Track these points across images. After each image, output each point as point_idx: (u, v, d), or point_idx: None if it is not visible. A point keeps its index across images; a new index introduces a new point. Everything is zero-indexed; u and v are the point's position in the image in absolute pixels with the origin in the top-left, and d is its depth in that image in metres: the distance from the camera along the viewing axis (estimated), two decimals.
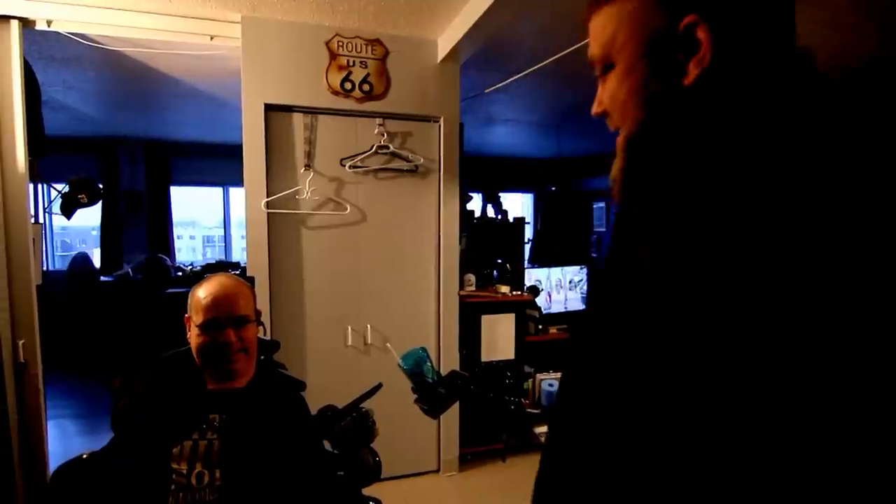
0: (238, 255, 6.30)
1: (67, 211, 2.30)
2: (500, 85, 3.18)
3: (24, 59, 2.21)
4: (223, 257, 6.14)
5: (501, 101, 3.81)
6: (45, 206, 3.04)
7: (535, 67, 2.83)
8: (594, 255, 6.89)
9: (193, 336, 1.15)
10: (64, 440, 3.36)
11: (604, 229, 6.79)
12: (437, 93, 2.64)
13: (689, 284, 0.43)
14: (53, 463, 2.40)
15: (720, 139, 0.46)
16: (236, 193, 6.19)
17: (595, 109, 0.57)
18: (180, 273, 5.19)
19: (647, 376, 0.45)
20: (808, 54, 0.49)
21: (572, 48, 2.52)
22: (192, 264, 5.67)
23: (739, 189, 0.43)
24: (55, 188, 2.51)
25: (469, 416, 2.79)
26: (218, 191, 6.18)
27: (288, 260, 2.51)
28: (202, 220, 7.94)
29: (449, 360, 2.73)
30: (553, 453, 0.52)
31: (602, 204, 6.80)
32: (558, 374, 1.65)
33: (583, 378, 0.52)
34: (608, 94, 0.55)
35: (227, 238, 6.32)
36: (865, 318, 0.37)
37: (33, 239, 2.28)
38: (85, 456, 1.12)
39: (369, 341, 2.65)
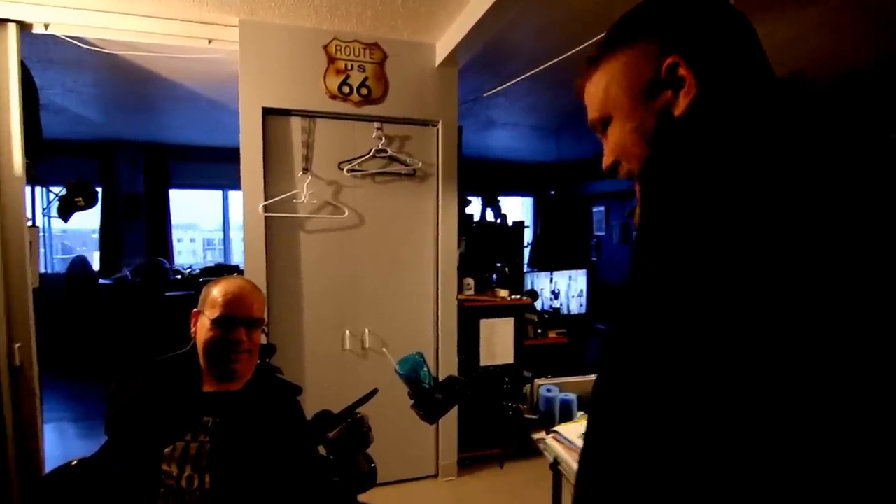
0: (237, 257, 6.30)
1: (64, 214, 2.30)
2: (498, 89, 3.18)
3: (22, 62, 2.21)
4: (223, 260, 6.14)
5: (500, 105, 3.81)
6: (44, 208, 3.05)
7: (534, 71, 2.83)
8: (594, 258, 6.89)
9: (203, 330, 1.16)
10: (63, 444, 3.35)
11: (603, 233, 6.79)
12: (435, 97, 2.64)
13: (690, 292, 0.44)
14: (50, 468, 2.39)
15: (717, 159, 0.49)
16: (235, 197, 6.19)
17: (606, 162, 0.62)
18: (179, 276, 5.18)
19: (652, 380, 0.46)
20: (799, 71, 0.52)
21: (570, 52, 2.52)
22: (190, 267, 5.67)
23: (737, 200, 0.44)
24: (53, 191, 2.51)
25: (467, 421, 2.78)
26: (217, 194, 6.19)
27: (286, 263, 2.51)
28: (202, 223, 7.93)
29: (447, 365, 2.72)
30: (587, 449, 0.53)
31: (602, 208, 6.80)
32: (556, 380, 1.65)
33: (607, 384, 0.52)
34: (614, 145, 0.59)
35: (226, 241, 6.32)
36: (869, 329, 0.38)
37: (30, 242, 2.27)
38: (74, 463, 1.11)
39: (367, 345, 2.64)
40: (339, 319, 2.61)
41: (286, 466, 1.10)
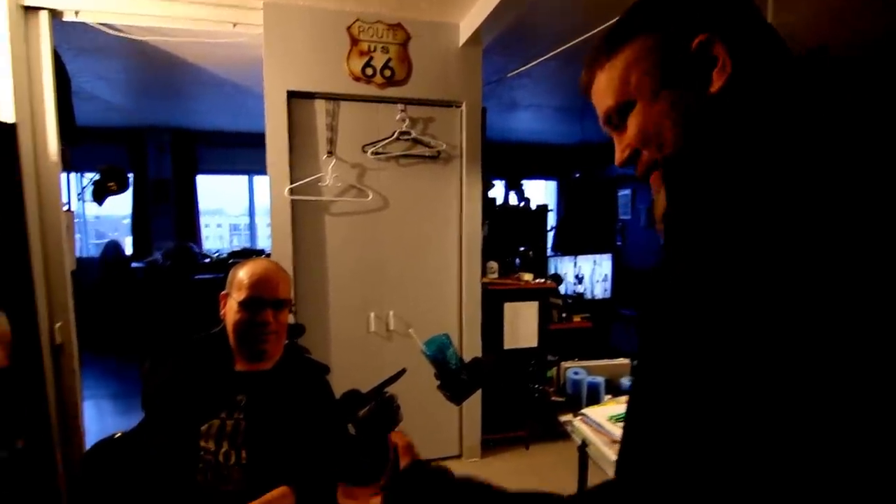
0: (263, 242, 6.40)
1: (99, 198, 2.36)
2: (522, 69, 3.12)
3: (55, 49, 2.26)
4: (249, 245, 6.24)
5: (524, 86, 3.74)
6: (79, 194, 3.14)
7: (558, 50, 2.76)
8: (619, 243, 6.78)
9: (231, 312, 1.18)
10: (100, 419, 3.49)
11: (629, 217, 6.66)
12: (459, 77, 2.60)
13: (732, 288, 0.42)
14: (90, 441, 2.50)
15: (758, 137, 0.47)
16: (261, 182, 6.27)
17: (621, 155, 0.58)
18: (207, 260, 5.30)
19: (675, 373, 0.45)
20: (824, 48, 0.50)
21: (596, 30, 2.44)
22: (218, 251, 5.79)
23: (782, 180, 0.42)
24: (86, 177, 2.58)
25: (492, 402, 2.79)
26: (243, 179, 6.28)
27: (311, 247, 2.53)
28: (228, 208, 8.07)
29: (471, 348, 2.73)
30: (628, 439, 0.52)
31: (627, 191, 6.66)
32: (584, 363, 1.64)
33: (644, 372, 0.52)
34: (635, 132, 0.56)
35: (252, 226, 6.42)
36: None
37: (66, 226, 2.35)
38: (118, 435, 1.16)
39: (392, 328, 2.67)
40: (364, 302, 2.63)
41: (317, 442, 1.13)
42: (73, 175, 4.08)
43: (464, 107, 2.62)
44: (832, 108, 0.45)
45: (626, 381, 1.61)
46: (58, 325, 2.29)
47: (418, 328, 2.62)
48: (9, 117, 2.04)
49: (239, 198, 6.56)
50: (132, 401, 3.75)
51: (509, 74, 3.21)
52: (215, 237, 8.11)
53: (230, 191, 6.63)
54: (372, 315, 2.64)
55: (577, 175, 6.81)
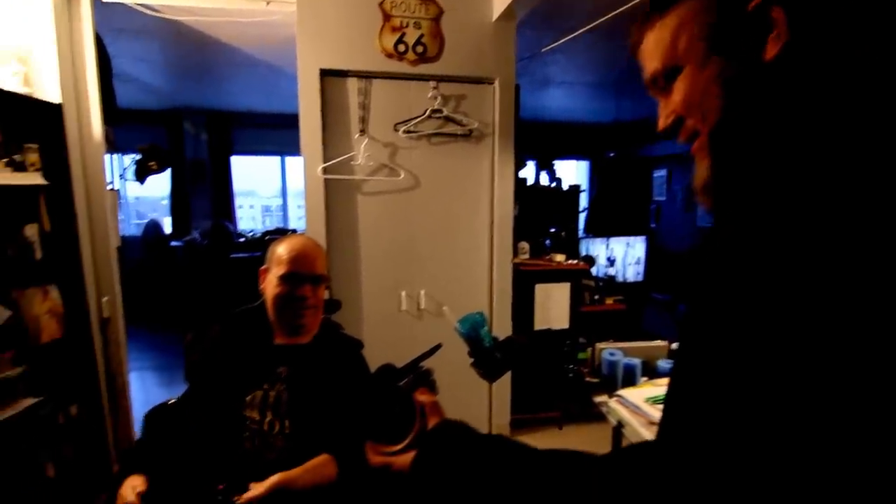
0: (294, 223, 6.51)
1: (140, 177, 2.44)
2: (556, 44, 3.03)
3: (96, 31, 2.31)
4: (282, 225, 6.36)
5: (558, 62, 3.63)
6: (121, 174, 3.25)
7: (594, 24, 2.67)
8: (653, 225, 6.61)
9: (271, 286, 1.21)
10: (144, 390, 3.66)
11: (664, 198, 6.47)
12: (492, 53, 2.54)
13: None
14: (135, 411, 2.62)
15: (815, 108, 0.43)
16: (293, 163, 6.36)
17: (665, 122, 0.56)
18: (242, 239, 5.43)
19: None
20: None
21: (632, 3, 2.34)
22: (252, 231, 5.93)
23: (841, 155, 0.40)
24: (128, 157, 2.65)
25: (524, 382, 2.77)
26: (275, 161, 6.37)
27: (344, 226, 2.55)
28: (260, 190, 8.23)
29: (501, 328, 2.72)
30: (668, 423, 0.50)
31: (663, 172, 6.46)
32: (620, 344, 1.61)
33: (687, 357, 0.49)
34: (680, 98, 0.53)
35: (284, 207, 6.53)
36: None
37: (111, 205, 2.43)
38: (171, 402, 1.22)
39: (423, 307, 2.68)
40: (396, 281, 2.65)
41: (355, 413, 1.15)
42: (114, 155, 4.22)
43: (496, 83, 2.57)
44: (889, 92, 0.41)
45: (663, 364, 1.58)
46: (105, 299, 2.39)
47: (449, 308, 2.63)
48: (55, 98, 2.10)
49: (270, 179, 6.68)
50: (174, 373, 3.92)
51: (543, 50, 3.13)
52: (248, 218, 8.30)
53: (262, 173, 6.76)
54: (403, 294, 2.66)
55: (611, 155, 6.63)
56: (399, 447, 0.61)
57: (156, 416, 1.22)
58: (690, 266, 0.50)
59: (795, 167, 0.42)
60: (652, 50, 0.55)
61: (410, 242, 2.64)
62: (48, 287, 2.03)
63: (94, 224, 2.35)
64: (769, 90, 0.47)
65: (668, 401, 0.49)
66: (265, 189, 7.99)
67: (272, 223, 7.32)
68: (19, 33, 2.04)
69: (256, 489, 0.97)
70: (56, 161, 2.06)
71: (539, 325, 2.88)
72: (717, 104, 0.50)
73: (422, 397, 0.65)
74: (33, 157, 1.96)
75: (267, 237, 5.17)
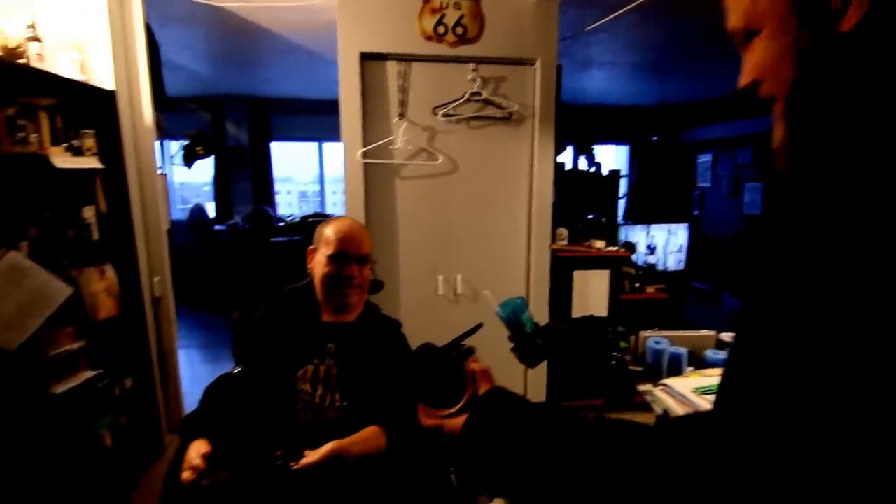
0: (331, 209, 6.62)
1: (188, 161, 2.51)
2: (601, 22, 2.92)
3: (146, 20, 2.37)
4: (319, 210, 6.48)
5: (601, 42, 3.51)
6: (170, 158, 3.37)
7: (641, 1, 2.55)
8: (696, 212, 6.37)
9: (319, 266, 1.26)
10: (191, 367, 3.83)
11: (709, 184, 6.22)
12: (533, 33, 2.48)
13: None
14: (183, 386, 2.75)
15: (889, 88, 0.41)
16: (330, 149, 6.43)
17: (744, 80, 0.54)
18: (282, 223, 5.56)
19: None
20: None
21: None
22: (291, 216, 6.06)
23: None
24: (175, 143, 2.74)
25: (565, 369, 2.74)
26: (312, 148, 6.46)
27: (382, 210, 2.57)
28: (297, 176, 8.39)
29: (538, 315, 2.67)
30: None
31: (708, 157, 6.20)
32: (666, 333, 1.57)
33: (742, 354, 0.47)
34: (756, 62, 0.52)
35: (322, 192, 6.63)
36: None
37: (161, 188, 2.53)
38: (235, 371, 1.26)
39: (459, 291, 2.68)
40: (433, 265, 2.65)
41: (401, 388, 1.19)
42: (161, 141, 4.37)
43: (538, 64, 2.51)
44: None
45: (711, 354, 1.53)
46: (156, 279, 2.49)
47: (490, 292, 2.61)
48: (109, 85, 2.18)
49: (307, 166, 6.78)
50: (218, 351, 4.08)
51: (587, 28, 3.02)
52: (285, 204, 8.48)
53: (299, 159, 6.87)
54: (440, 278, 2.66)
55: (654, 139, 6.40)
56: (451, 411, 0.62)
57: (215, 388, 1.27)
58: (759, 240, 0.49)
59: (872, 140, 0.40)
60: (734, 4, 0.53)
61: (448, 227, 2.63)
62: (104, 267, 2.13)
63: (146, 207, 2.44)
64: (846, 61, 0.45)
65: (730, 377, 0.47)
66: (302, 175, 8.14)
67: (309, 209, 7.46)
68: (75, 22, 2.11)
69: (312, 456, 1.02)
70: (110, 146, 2.14)
71: (577, 312, 2.84)
72: (791, 73, 0.49)
73: (474, 365, 0.65)
74: (90, 142, 2.05)
75: (311, 219, 5.29)
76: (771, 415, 0.40)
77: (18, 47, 1.76)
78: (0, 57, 1.65)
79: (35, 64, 1.85)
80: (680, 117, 6.17)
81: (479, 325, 1.25)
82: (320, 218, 5.35)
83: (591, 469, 0.49)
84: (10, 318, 1.59)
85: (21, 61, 1.78)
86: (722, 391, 0.48)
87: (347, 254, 1.24)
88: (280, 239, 5.04)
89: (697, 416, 0.51)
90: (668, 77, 4.67)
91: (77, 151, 1.98)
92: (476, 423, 0.58)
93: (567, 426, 0.54)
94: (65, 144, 1.92)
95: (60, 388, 1.79)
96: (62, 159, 1.85)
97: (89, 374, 1.94)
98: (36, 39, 1.87)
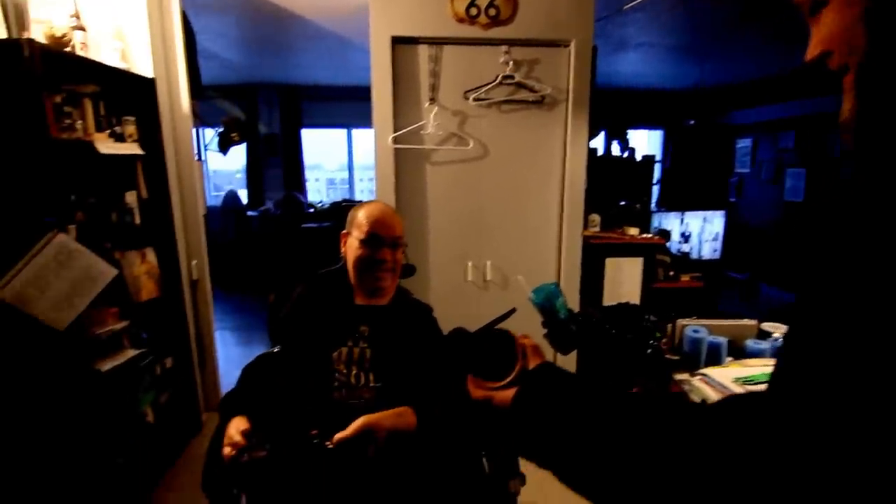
0: (359, 196, 6.66)
1: (223, 148, 2.56)
2: (638, 1, 2.82)
3: (182, 8, 2.41)
4: (348, 197, 6.53)
5: (638, 22, 3.40)
6: (205, 145, 3.45)
7: None
8: (733, 199, 6.16)
9: (352, 249, 1.27)
10: (225, 348, 3.94)
11: (748, 170, 5.99)
12: (568, 13, 2.41)
13: None
14: (219, 366, 2.84)
15: None
16: (359, 135, 6.46)
17: (812, 52, 0.52)
18: (312, 210, 5.64)
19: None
20: None
21: None
22: (321, 202, 6.14)
23: None
24: (211, 131, 2.79)
25: (599, 357, 2.70)
26: (340, 136, 6.50)
27: (412, 195, 2.57)
28: (325, 164, 8.48)
29: (569, 303, 2.66)
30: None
31: (748, 141, 5.96)
32: (704, 321, 1.52)
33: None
34: (826, 32, 0.50)
35: (351, 179, 6.68)
36: None
37: (198, 174, 2.58)
38: (276, 350, 1.30)
39: (489, 278, 2.67)
40: (462, 251, 2.64)
41: (432, 371, 1.21)
42: (196, 129, 4.46)
43: (572, 46, 2.44)
44: None
45: (752, 344, 1.48)
46: (194, 262, 2.57)
47: (523, 278, 2.59)
48: (148, 72, 2.24)
49: (335, 153, 6.83)
50: (252, 333, 4.19)
51: (625, 8, 2.92)
52: (314, 191, 8.58)
53: (327, 147, 6.93)
54: (469, 264, 2.65)
55: (691, 123, 6.18)
56: (501, 384, 0.62)
57: (253, 367, 1.30)
58: (820, 217, 0.46)
59: None
60: None
61: (478, 213, 2.61)
62: (145, 250, 2.20)
63: (184, 192, 2.50)
64: None
65: (791, 366, 0.45)
66: (330, 163, 8.23)
67: (337, 196, 7.54)
68: (116, 10, 2.16)
69: (344, 431, 1.04)
70: (150, 132, 2.20)
71: (608, 300, 2.79)
72: (863, 42, 0.46)
73: (525, 340, 0.66)
74: (131, 129, 2.10)
75: (344, 203, 5.35)
76: (835, 402, 0.38)
77: (64, 36, 1.81)
78: (48, 46, 1.70)
79: (79, 52, 1.90)
80: (718, 100, 5.94)
81: (513, 311, 1.23)
82: (351, 203, 5.41)
83: (642, 444, 0.48)
84: (58, 297, 1.66)
85: (66, 50, 1.84)
86: (780, 377, 0.46)
87: (379, 237, 1.25)
88: (310, 225, 5.12)
89: (753, 396, 0.49)
90: (708, 58, 4.48)
91: (119, 138, 2.04)
92: (527, 396, 0.58)
93: (618, 402, 0.53)
94: (108, 131, 1.98)
95: (106, 366, 1.87)
96: (106, 145, 1.91)
97: (133, 352, 2.01)
98: (80, 28, 1.91)
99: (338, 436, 1.04)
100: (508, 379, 0.63)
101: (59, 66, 1.72)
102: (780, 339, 1.49)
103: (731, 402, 0.53)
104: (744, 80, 5.29)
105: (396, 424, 1.09)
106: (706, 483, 0.43)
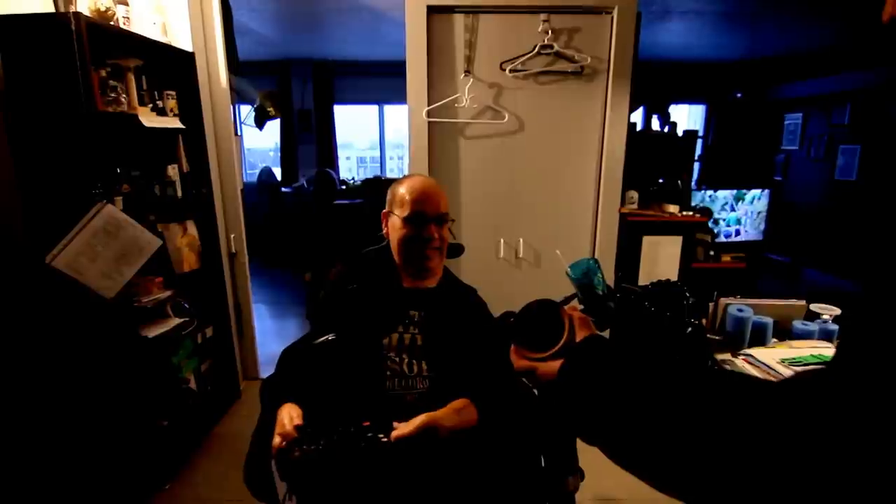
0: (390, 173, 6.66)
1: (259, 122, 2.58)
2: None
3: None
4: (379, 174, 6.54)
5: None
6: (241, 121, 3.50)
7: None
8: (778, 178, 5.87)
9: (395, 229, 1.18)
10: (260, 321, 4.05)
11: (796, 147, 5.68)
12: None
13: None
14: (257, 338, 2.92)
15: None
16: (390, 112, 6.43)
17: (889, 12, 0.49)
18: (344, 186, 5.68)
19: None
20: None
21: None
22: (353, 179, 6.17)
23: None
24: (246, 107, 2.81)
25: (632, 334, 2.66)
26: (371, 113, 6.47)
27: (446, 170, 2.55)
28: (356, 142, 8.51)
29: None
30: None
31: (797, 117, 5.64)
32: (749, 301, 1.46)
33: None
34: None
35: (382, 157, 6.68)
36: None
37: (236, 149, 2.62)
38: (331, 338, 1.16)
39: (521, 255, 2.64)
40: (495, 227, 2.62)
41: (487, 357, 1.13)
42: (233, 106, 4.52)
43: (615, 12, 2.34)
44: None
45: (799, 325, 1.41)
46: (232, 235, 2.63)
47: (548, 257, 2.56)
48: (188, 47, 2.26)
49: (366, 131, 6.83)
50: (285, 307, 4.29)
51: None
52: (344, 169, 8.65)
53: (357, 125, 6.93)
54: (502, 241, 2.63)
55: (738, 96, 5.87)
56: (546, 354, 0.60)
57: (294, 352, 1.19)
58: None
59: None
60: None
61: (511, 188, 2.57)
62: (187, 223, 2.27)
63: (223, 167, 2.55)
64: None
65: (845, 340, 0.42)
66: (360, 141, 8.24)
67: (368, 174, 7.57)
68: None
69: (403, 428, 0.95)
70: (190, 107, 2.23)
71: (644, 279, 2.72)
72: None
73: (573, 311, 0.63)
74: (172, 103, 2.14)
75: (377, 179, 5.36)
76: None
77: (108, 10, 1.84)
78: (94, 19, 1.73)
79: (122, 26, 1.93)
80: (766, 73, 5.62)
81: (574, 296, 1.19)
82: (384, 180, 5.41)
83: (695, 418, 0.46)
84: (107, 266, 1.73)
85: (111, 24, 1.87)
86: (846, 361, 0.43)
87: (424, 214, 1.15)
88: (342, 202, 5.16)
89: (816, 374, 0.47)
90: (758, 27, 4.22)
91: (161, 112, 2.08)
92: (572, 369, 0.56)
93: (676, 375, 0.50)
94: (150, 105, 2.02)
95: (152, 333, 1.95)
96: (149, 119, 1.95)
97: (177, 321, 2.09)
98: (123, 3, 1.94)
99: (396, 432, 0.94)
100: (554, 350, 0.61)
101: (104, 40, 1.76)
102: (830, 321, 1.43)
103: (802, 382, 0.50)
104: (797, 50, 4.97)
105: (458, 423, 1.01)
106: (777, 461, 0.41)
